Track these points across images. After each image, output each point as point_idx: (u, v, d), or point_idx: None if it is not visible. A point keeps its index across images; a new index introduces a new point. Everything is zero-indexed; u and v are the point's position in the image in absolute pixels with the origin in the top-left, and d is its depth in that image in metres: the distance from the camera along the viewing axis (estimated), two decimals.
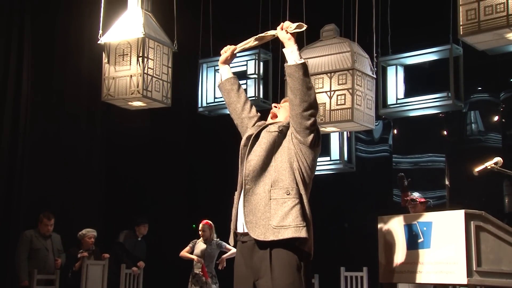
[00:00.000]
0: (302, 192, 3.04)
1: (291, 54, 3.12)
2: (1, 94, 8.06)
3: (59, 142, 8.51)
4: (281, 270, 2.95)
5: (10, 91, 8.13)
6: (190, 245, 8.11)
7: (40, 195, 8.09)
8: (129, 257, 8.08)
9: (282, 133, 3.14)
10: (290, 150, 3.09)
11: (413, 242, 3.59)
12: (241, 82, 8.19)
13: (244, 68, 8.09)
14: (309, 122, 3.07)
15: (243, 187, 3.10)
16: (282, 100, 3.47)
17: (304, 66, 3.10)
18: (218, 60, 8.81)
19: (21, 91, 8.21)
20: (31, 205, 7.92)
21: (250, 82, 7.97)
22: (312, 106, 3.07)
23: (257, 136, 3.19)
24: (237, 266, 3.17)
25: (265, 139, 3.14)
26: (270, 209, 2.99)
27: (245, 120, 3.43)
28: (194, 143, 10.23)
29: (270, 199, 3.01)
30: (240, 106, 3.47)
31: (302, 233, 2.95)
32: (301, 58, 3.13)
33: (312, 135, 3.08)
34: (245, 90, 8.05)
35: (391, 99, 7.61)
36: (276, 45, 7.70)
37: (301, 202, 3.01)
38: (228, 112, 9.00)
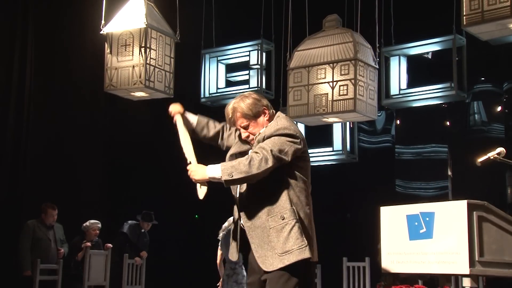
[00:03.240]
0: (298, 207, 3.05)
1: (215, 174, 3.11)
2: (5, 85, 8.08)
3: (62, 133, 8.52)
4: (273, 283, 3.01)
5: (14, 83, 8.14)
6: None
7: (43, 186, 8.10)
8: (132, 248, 8.10)
9: None
10: (275, 170, 3.05)
11: (416, 232, 3.59)
12: (243, 72, 8.29)
13: (246, 58, 8.08)
14: (271, 167, 3.01)
15: (241, 223, 3.14)
16: (229, 122, 3.33)
17: (227, 180, 3.05)
18: (220, 51, 8.86)
19: (25, 82, 8.22)
20: (34, 195, 7.94)
21: (253, 73, 7.97)
22: (259, 170, 2.99)
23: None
24: (250, 258, 3.21)
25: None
26: (272, 238, 3.02)
27: (229, 140, 3.44)
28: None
29: (270, 228, 3.03)
30: (221, 137, 3.50)
31: (306, 254, 2.97)
32: (220, 173, 3.08)
33: (283, 161, 3.04)
34: (248, 80, 8.07)
35: (394, 90, 7.62)
36: (278, 35, 7.70)
37: (298, 220, 3.01)
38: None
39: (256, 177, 3.00)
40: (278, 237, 2.99)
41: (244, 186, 3.11)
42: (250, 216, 3.08)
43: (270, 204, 3.04)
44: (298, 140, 3.08)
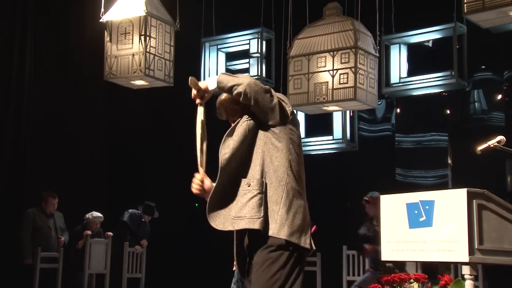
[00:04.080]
0: (269, 182, 3.00)
1: (211, 82, 3.17)
2: (5, 73, 8.08)
3: (62, 122, 8.52)
4: (256, 270, 2.98)
5: (14, 71, 8.15)
6: None
7: (43, 175, 8.12)
8: (133, 236, 8.13)
9: (252, 123, 3.07)
10: (260, 140, 3.04)
11: (415, 220, 3.60)
12: (243, 61, 8.26)
13: (246, 47, 8.07)
14: (265, 101, 2.98)
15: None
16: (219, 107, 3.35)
17: (219, 84, 3.09)
18: (220, 39, 8.84)
19: (25, 70, 8.23)
20: (34, 184, 7.96)
21: (253, 61, 7.96)
22: (250, 92, 2.96)
23: (231, 132, 3.15)
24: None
25: (237, 131, 3.10)
26: (232, 200, 3.02)
27: None
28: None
29: (234, 191, 3.02)
30: None
31: (256, 225, 2.92)
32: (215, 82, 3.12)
33: (276, 109, 3.01)
34: (248, 69, 8.05)
35: (394, 78, 7.61)
36: (278, 23, 7.68)
37: (262, 192, 2.97)
38: None
39: (265, 107, 2.98)
40: (237, 201, 3.00)
41: (228, 146, 3.10)
42: (226, 173, 3.06)
43: (244, 169, 3.04)
44: (290, 107, 3.08)
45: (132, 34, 6.58)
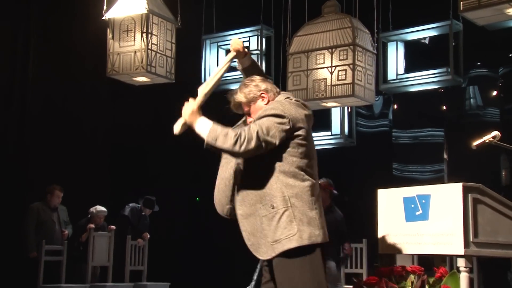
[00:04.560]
0: (291, 193, 2.94)
1: (201, 130, 3.10)
2: (9, 71, 8.10)
3: (65, 118, 8.54)
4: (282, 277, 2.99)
5: (18, 68, 8.17)
6: None
7: (46, 170, 8.13)
8: (134, 230, 8.15)
9: None
10: (268, 160, 2.99)
11: (412, 214, 3.60)
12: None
13: (246, 44, 8.05)
14: (253, 149, 2.93)
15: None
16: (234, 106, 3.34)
17: (208, 142, 3.05)
18: (221, 36, 8.83)
19: (28, 67, 8.25)
20: (37, 179, 7.97)
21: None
22: (241, 150, 2.93)
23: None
24: None
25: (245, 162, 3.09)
26: (265, 226, 2.97)
27: None
28: None
29: (262, 216, 2.98)
30: None
31: (292, 243, 2.89)
32: (207, 132, 3.05)
33: (270, 144, 2.96)
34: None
35: (391, 75, 7.61)
36: (278, 21, 7.68)
37: (288, 208, 2.94)
38: (231, 88, 8.98)
39: (237, 156, 3.00)
40: (269, 226, 2.95)
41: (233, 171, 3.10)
42: (243, 204, 3.04)
43: (262, 191, 2.99)
44: (286, 120, 2.97)
45: (134, 32, 6.58)
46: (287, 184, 2.96)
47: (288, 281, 2.94)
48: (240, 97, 3.23)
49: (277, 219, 2.93)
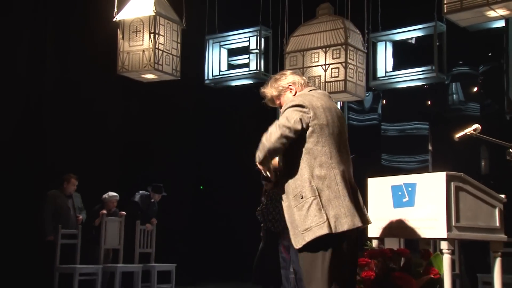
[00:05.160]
0: (319, 182, 2.90)
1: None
2: (28, 68, 8.08)
3: (79, 113, 8.54)
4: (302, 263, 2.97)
5: (36, 66, 8.16)
6: None
7: (61, 160, 8.14)
8: (143, 215, 8.17)
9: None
10: (292, 149, 2.97)
11: (399, 201, 3.60)
12: (243, 56, 8.24)
13: (246, 43, 8.05)
14: (280, 136, 2.93)
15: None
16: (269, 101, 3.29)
17: (259, 162, 3.03)
18: (223, 36, 8.79)
19: (45, 65, 8.25)
20: (53, 169, 7.98)
21: (252, 57, 7.93)
22: (270, 142, 2.94)
23: None
24: None
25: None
26: (295, 217, 2.93)
27: None
28: (201, 111, 10.25)
29: (294, 207, 2.94)
30: None
31: (324, 230, 2.84)
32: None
33: (293, 128, 2.94)
34: (248, 64, 8.02)
35: (380, 72, 7.60)
36: (275, 22, 7.66)
37: (316, 197, 2.89)
38: (232, 84, 8.85)
39: (273, 150, 2.94)
40: (299, 216, 2.90)
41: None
42: (284, 197, 3.02)
43: (294, 183, 2.95)
44: (306, 109, 2.95)
45: (143, 32, 6.56)
46: (314, 174, 2.92)
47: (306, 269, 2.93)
48: (271, 91, 3.22)
49: (307, 208, 2.88)
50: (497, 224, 3.61)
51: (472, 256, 7.41)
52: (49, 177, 7.77)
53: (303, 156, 2.95)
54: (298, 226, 2.90)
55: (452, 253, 3.43)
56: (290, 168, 2.99)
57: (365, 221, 3.05)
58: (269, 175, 3.06)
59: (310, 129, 2.95)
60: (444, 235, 3.37)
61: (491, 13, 4.94)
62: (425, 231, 3.45)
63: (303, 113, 2.95)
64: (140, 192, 8.49)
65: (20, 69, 8.15)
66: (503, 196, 3.66)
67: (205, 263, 9.85)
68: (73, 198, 7.68)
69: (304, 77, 3.29)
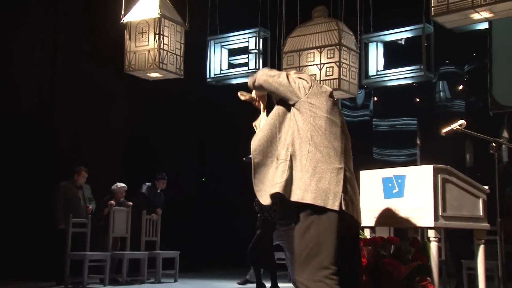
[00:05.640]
0: (293, 154, 2.81)
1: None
2: (41, 69, 8.09)
3: (88, 110, 8.55)
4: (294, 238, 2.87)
5: (48, 66, 8.17)
6: None
7: (73, 153, 8.15)
8: (149, 206, 8.17)
9: (281, 108, 2.93)
10: (289, 121, 2.90)
11: (389, 192, 3.61)
12: (243, 56, 8.24)
13: (246, 44, 8.04)
14: (284, 82, 2.90)
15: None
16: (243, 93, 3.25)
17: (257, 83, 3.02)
18: (223, 37, 8.77)
19: (56, 65, 8.24)
20: (64, 162, 7.99)
21: (252, 56, 7.92)
22: (265, 83, 2.95)
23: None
24: None
25: (266, 120, 3.02)
26: (268, 175, 2.89)
27: None
28: (203, 108, 10.26)
29: (269, 166, 2.90)
30: None
31: (275, 189, 2.78)
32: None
33: (298, 86, 2.88)
34: (247, 63, 8.02)
35: (372, 71, 7.60)
36: (273, 23, 7.66)
37: (286, 161, 2.81)
38: (233, 82, 8.80)
39: (267, 88, 2.95)
40: (272, 175, 2.86)
41: (255, 142, 2.99)
42: (261, 153, 2.95)
43: (279, 150, 2.90)
44: (308, 82, 2.91)
45: (148, 33, 6.56)
46: (294, 145, 2.84)
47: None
48: (262, 77, 3.09)
49: (275, 167, 2.86)
50: (481, 214, 3.63)
51: (457, 244, 7.43)
52: (61, 170, 7.79)
53: (293, 127, 2.87)
54: (268, 185, 2.87)
55: (439, 240, 3.45)
56: (276, 134, 2.93)
57: (358, 215, 2.89)
58: (251, 96, 3.11)
59: (305, 101, 2.88)
60: (432, 224, 3.39)
61: (476, 16, 4.94)
62: (413, 220, 3.46)
63: (304, 81, 2.92)
64: (147, 183, 8.51)
65: (34, 68, 8.16)
66: (486, 187, 3.68)
67: (207, 251, 9.88)
68: (83, 189, 7.68)
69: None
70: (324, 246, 2.69)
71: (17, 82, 7.87)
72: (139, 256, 7.73)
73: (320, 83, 6.53)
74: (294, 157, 2.82)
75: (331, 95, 2.97)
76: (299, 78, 2.95)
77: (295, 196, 2.76)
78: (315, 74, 6.54)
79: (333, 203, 2.71)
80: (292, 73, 3.04)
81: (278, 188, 2.77)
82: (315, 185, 2.74)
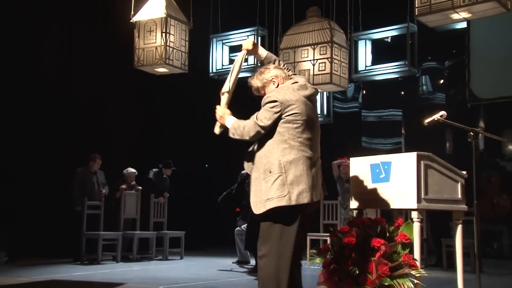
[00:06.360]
0: (287, 162, 2.90)
1: (228, 126, 3.12)
2: (55, 65, 8.07)
3: (101, 102, 8.55)
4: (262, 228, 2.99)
5: (63, 63, 8.16)
6: None
7: (88, 142, 8.16)
8: (156, 190, 8.21)
9: None
10: (275, 134, 2.97)
11: (377, 177, 3.61)
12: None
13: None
14: (256, 133, 2.97)
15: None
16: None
17: (230, 136, 3.08)
18: (225, 35, 8.75)
19: (72, 61, 8.22)
20: (79, 150, 8.00)
21: None
22: (248, 136, 3.00)
23: None
24: None
25: None
26: (261, 187, 2.93)
27: None
28: (206, 100, 10.24)
29: (262, 180, 2.95)
30: None
31: (283, 202, 2.85)
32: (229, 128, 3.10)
33: (265, 125, 2.95)
34: (246, 59, 7.99)
35: (361, 66, 7.60)
36: (270, 23, 7.64)
37: (283, 173, 2.89)
38: (248, 75, 8.77)
39: (248, 140, 3.01)
40: (265, 187, 2.90)
41: (255, 145, 3.06)
42: (254, 170, 3.02)
43: (265, 159, 2.94)
44: (277, 103, 2.94)
45: (156, 32, 6.55)
46: (283, 154, 2.92)
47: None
48: (256, 82, 3.19)
49: (272, 181, 2.89)
50: (459, 196, 3.65)
51: (438, 224, 7.49)
52: (77, 157, 7.81)
53: (275, 137, 2.95)
54: (261, 196, 2.91)
55: (421, 221, 3.46)
56: (263, 146, 2.98)
57: (321, 195, 3.08)
58: (217, 127, 3.16)
59: (282, 118, 2.95)
60: (415, 206, 3.41)
61: (455, 16, 4.94)
62: (398, 203, 3.48)
63: (274, 109, 2.95)
64: (154, 169, 8.53)
65: (50, 62, 8.15)
66: (464, 172, 3.70)
67: (209, 231, 9.92)
68: (97, 175, 7.71)
69: (286, 71, 3.23)
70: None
71: (36, 80, 7.87)
72: (148, 235, 7.77)
73: (313, 77, 6.56)
74: (288, 167, 2.90)
75: (309, 97, 3.05)
76: (272, 105, 2.94)
77: (306, 199, 2.89)
78: (309, 69, 6.55)
79: (300, 199, 2.90)
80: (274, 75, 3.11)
81: (284, 201, 2.86)
82: (315, 183, 2.97)
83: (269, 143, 2.98)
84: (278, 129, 2.96)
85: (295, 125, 2.96)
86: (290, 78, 3.19)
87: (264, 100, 3.03)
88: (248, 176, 6.69)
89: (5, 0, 7.38)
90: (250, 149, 3.13)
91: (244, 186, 6.78)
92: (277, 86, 3.13)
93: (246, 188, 6.62)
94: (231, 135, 3.07)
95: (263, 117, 2.96)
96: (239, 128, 3.03)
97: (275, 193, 2.87)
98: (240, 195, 6.92)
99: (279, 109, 2.95)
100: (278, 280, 2.85)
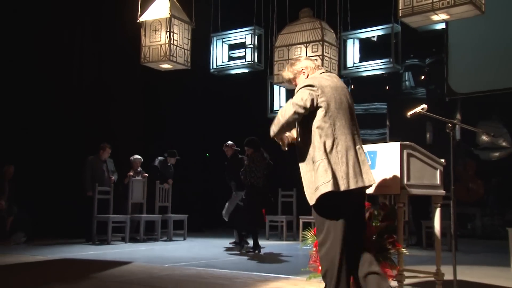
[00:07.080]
0: (327, 149, 2.74)
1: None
2: (69, 61, 8.03)
3: (110, 95, 8.53)
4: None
5: (76, 60, 8.12)
6: None
7: (99, 132, 8.15)
8: (161, 177, 8.22)
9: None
10: (307, 123, 2.82)
11: None
12: (240, 50, 8.21)
13: (243, 40, 8.00)
14: (294, 112, 2.80)
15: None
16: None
17: (273, 136, 2.92)
18: (225, 34, 8.73)
19: (83, 58, 8.18)
20: (91, 139, 8.00)
21: (248, 51, 7.88)
22: (285, 118, 2.82)
23: None
24: None
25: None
26: (311, 179, 2.76)
27: None
28: (207, 94, 10.24)
29: (309, 172, 2.79)
30: None
31: (328, 187, 2.68)
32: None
33: (304, 105, 2.79)
34: (244, 56, 7.99)
35: (349, 63, 7.59)
36: (266, 22, 7.62)
37: (323, 160, 2.71)
38: (232, 73, 8.78)
39: (287, 124, 2.82)
40: (313, 177, 2.74)
41: (298, 137, 2.90)
42: (303, 165, 2.86)
43: (308, 151, 2.79)
44: (315, 88, 2.81)
45: (160, 31, 6.51)
46: (323, 142, 2.76)
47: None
48: (288, 74, 3.10)
49: (316, 169, 2.74)
50: (438, 182, 3.68)
51: (418, 207, 7.54)
52: (89, 146, 7.81)
53: (314, 129, 2.80)
54: (311, 187, 2.77)
55: (404, 205, 3.49)
56: (305, 139, 2.84)
57: (367, 181, 2.87)
58: (281, 143, 2.96)
59: (319, 105, 2.81)
60: (398, 191, 3.43)
61: (435, 17, 4.94)
62: (383, 189, 3.49)
63: (313, 92, 2.81)
64: (159, 158, 8.54)
65: (63, 58, 8.11)
66: (443, 160, 3.73)
67: (210, 214, 9.96)
68: (107, 163, 7.72)
69: (315, 62, 3.14)
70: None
71: (51, 74, 7.84)
72: (153, 218, 7.80)
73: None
74: (329, 152, 2.76)
75: (340, 84, 2.94)
76: (308, 89, 2.82)
77: (353, 184, 2.74)
78: None
79: (341, 184, 2.74)
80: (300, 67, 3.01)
81: (329, 187, 2.69)
82: (357, 168, 2.80)
83: (309, 134, 2.82)
84: (315, 117, 2.80)
85: (330, 112, 2.81)
86: (320, 69, 3.10)
87: (300, 85, 2.90)
88: (235, 154, 7.13)
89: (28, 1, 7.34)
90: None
91: (232, 163, 7.01)
92: (307, 77, 3.03)
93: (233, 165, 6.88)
94: (273, 133, 2.87)
95: (299, 98, 2.80)
96: (275, 119, 2.86)
97: (319, 180, 2.71)
98: (230, 170, 7.12)
99: (316, 93, 2.81)
100: (333, 266, 2.73)
